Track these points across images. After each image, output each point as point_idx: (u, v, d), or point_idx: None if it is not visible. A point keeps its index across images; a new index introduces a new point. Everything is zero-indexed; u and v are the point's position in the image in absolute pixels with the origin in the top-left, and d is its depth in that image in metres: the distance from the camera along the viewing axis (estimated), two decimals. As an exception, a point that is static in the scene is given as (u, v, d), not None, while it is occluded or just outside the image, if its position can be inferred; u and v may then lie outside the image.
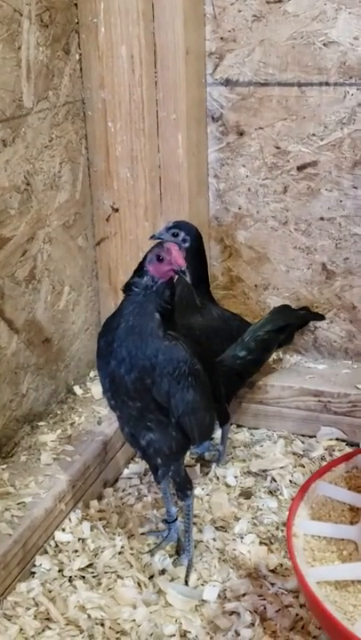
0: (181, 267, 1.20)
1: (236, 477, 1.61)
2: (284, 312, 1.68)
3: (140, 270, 1.23)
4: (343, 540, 1.18)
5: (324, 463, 1.60)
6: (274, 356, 1.77)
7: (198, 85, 1.68)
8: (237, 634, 1.21)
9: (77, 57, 1.61)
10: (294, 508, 1.21)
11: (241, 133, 1.73)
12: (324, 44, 1.60)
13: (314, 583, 1.08)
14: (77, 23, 1.58)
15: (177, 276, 1.21)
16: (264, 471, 1.62)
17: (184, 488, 1.36)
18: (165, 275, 1.21)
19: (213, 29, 1.66)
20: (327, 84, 1.63)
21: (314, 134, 1.67)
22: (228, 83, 1.70)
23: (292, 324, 1.67)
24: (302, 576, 1.07)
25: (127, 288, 1.24)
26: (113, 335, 1.23)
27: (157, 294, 1.21)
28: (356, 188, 1.67)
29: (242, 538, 1.44)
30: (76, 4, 1.57)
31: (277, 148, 1.71)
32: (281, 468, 1.62)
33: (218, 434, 1.70)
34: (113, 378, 1.24)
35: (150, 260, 1.21)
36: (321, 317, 1.75)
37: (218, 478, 1.62)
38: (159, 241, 1.26)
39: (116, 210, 1.70)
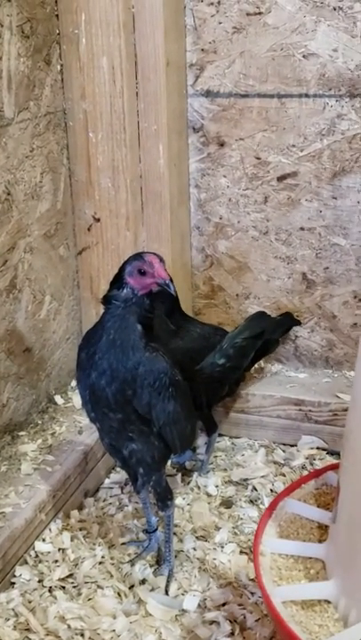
0: (165, 280, 1.19)
1: (217, 487, 1.61)
2: (261, 319, 1.70)
3: (118, 282, 1.22)
4: (311, 558, 1.17)
5: (305, 472, 1.60)
6: (256, 365, 1.78)
7: (179, 96, 1.69)
8: (216, 642, 1.21)
9: (59, 68, 1.61)
10: (262, 526, 1.20)
11: (222, 144, 1.74)
12: (303, 56, 1.61)
13: (279, 603, 1.07)
14: (59, 34, 1.59)
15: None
16: (245, 480, 1.62)
17: (165, 498, 1.36)
18: (147, 287, 1.20)
19: (194, 41, 1.67)
20: (307, 95, 1.64)
21: (294, 145, 1.69)
22: (208, 94, 1.71)
23: (268, 330, 1.68)
24: (268, 596, 1.07)
25: (106, 301, 1.23)
26: (94, 348, 1.23)
27: (138, 305, 1.21)
28: (335, 198, 1.69)
29: (222, 547, 1.44)
30: (57, 16, 1.58)
31: (258, 158, 1.72)
32: (262, 477, 1.63)
33: (199, 442, 1.71)
34: (93, 390, 1.24)
35: (130, 273, 1.20)
36: (297, 322, 1.77)
37: (199, 487, 1.62)
38: (138, 252, 1.25)
39: (98, 220, 1.71)
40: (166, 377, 1.25)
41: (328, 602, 1.09)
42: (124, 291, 1.21)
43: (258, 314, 1.72)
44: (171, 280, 1.20)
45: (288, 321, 1.77)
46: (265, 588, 1.08)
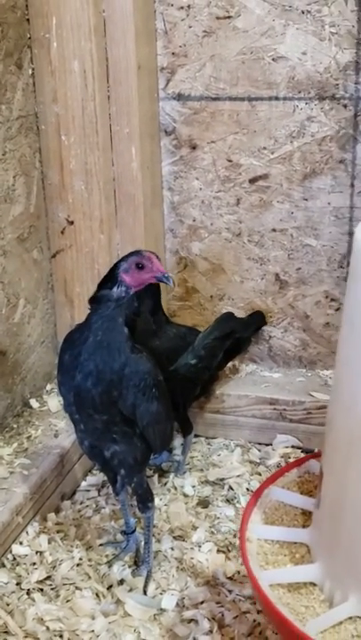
0: (164, 273, 1.22)
1: (193, 487, 1.62)
2: (229, 319, 1.71)
3: (110, 281, 1.21)
4: (296, 543, 1.20)
5: (280, 470, 1.62)
6: (229, 365, 1.80)
7: (151, 100, 1.71)
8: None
9: (30, 71, 1.62)
10: (247, 514, 1.23)
11: (194, 147, 1.75)
12: (273, 59, 1.64)
13: (267, 586, 1.09)
14: (30, 38, 1.60)
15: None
16: (221, 480, 1.64)
17: (146, 500, 1.37)
18: (144, 282, 1.22)
19: (165, 45, 1.68)
20: (277, 98, 1.66)
21: (265, 148, 1.71)
22: (180, 97, 1.72)
23: (237, 330, 1.70)
24: (255, 579, 1.09)
25: (95, 300, 1.22)
26: (79, 349, 1.22)
27: (127, 306, 1.22)
28: (306, 200, 1.71)
29: (200, 546, 1.45)
30: (28, 20, 1.58)
31: (230, 161, 1.74)
32: (238, 476, 1.64)
33: (175, 443, 1.72)
34: (79, 391, 1.24)
35: (126, 270, 1.21)
36: (263, 321, 1.79)
37: (176, 488, 1.63)
38: (133, 250, 1.26)
39: (71, 222, 1.71)
40: (150, 377, 1.27)
41: (314, 584, 1.11)
42: (118, 289, 1.20)
43: (226, 315, 1.74)
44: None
45: (256, 320, 1.80)
46: (252, 571, 1.10)
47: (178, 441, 1.72)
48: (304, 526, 1.23)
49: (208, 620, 1.26)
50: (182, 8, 1.65)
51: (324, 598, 1.10)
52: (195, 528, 1.49)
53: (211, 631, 1.24)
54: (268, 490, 1.28)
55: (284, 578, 1.12)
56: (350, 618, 1.05)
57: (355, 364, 1.03)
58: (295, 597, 1.09)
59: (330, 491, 1.12)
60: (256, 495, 1.26)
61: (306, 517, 1.25)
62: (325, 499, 1.14)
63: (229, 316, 1.73)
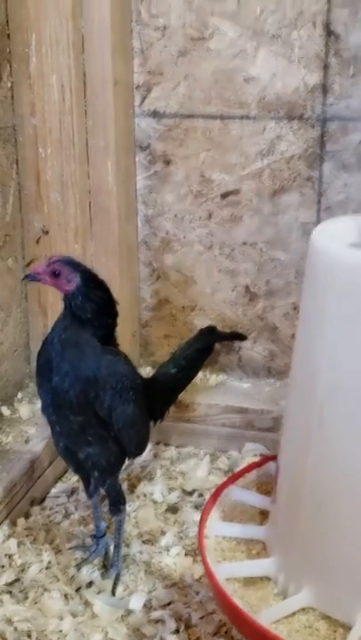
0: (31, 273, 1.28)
1: (162, 494, 1.65)
2: (211, 333, 1.75)
3: None
4: (253, 540, 1.24)
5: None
6: (200, 375, 1.83)
7: (127, 115, 1.76)
8: (161, 639, 1.24)
9: (9, 85, 1.66)
10: (206, 512, 1.27)
11: (168, 162, 1.81)
12: (244, 80, 1.70)
13: (223, 579, 1.13)
14: (9, 52, 1.64)
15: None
16: (190, 487, 1.66)
17: (118, 502, 1.39)
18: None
19: (141, 63, 1.74)
20: (248, 117, 1.73)
21: (236, 164, 1.76)
22: (155, 114, 1.78)
23: (216, 342, 1.74)
24: (211, 573, 1.13)
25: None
26: (49, 351, 1.26)
27: (76, 307, 1.25)
28: (275, 215, 1.77)
29: (168, 550, 1.47)
30: (8, 35, 1.63)
31: (202, 176, 1.80)
32: (207, 483, 1.67)
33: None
34: (57, 393, 1.26)
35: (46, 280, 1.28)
36: (243, 338, 1.83)
37: (145, 495, 1.65)
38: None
39: (47, 232, 1.75)
40: (128, 380, 1.30)
41: (268, 579, 1.16)
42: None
43: (208, 328, 1.77)
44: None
45: (237, 336, 1.83)
46: (209, 565, 1.14)
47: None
48: (261, 524, 1.27)
49: (175, 620, 1.28)
50: (158, 28, 1.71)
51: (277, 591, 1.14)
52: (163, 533, 1.52)
53: (177, 631, 1.26)
54: (228, 490, 1.32)
55: (239, 571, 1.17)
56: (303, 609, 1.10)
57: (309, 357, 1.09)
58: (250, 590, 1.13)
59: (286, 484, 1.17)
60: (215, 494, 1.31)
61: (263, 516, 1.29)
62: (281, 493, 1.18)
63: (212, 329, 1.77)
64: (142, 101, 1.78)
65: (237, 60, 1.69)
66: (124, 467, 1.42)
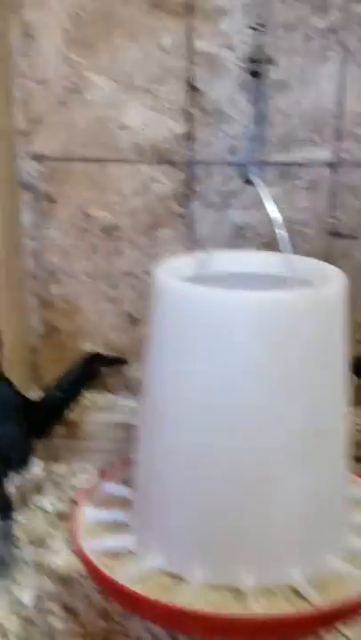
0: None
1: (52, 504, 1.77)
2: (93, 358, 1.92)
3: None
4: (119, 524, 1.54)
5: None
6: (88, 395, 1.98)
7: (11, 159, 1.92)
8: (51, 627, 1.37)
9: None
10: (80, 502, 1.58)
11: (52, 201, 1.98)
12: (118, 128, 1.91)
13: (90, 552, 1.45)
14: None
15: None
16: (80, 497, 1.80)
17: (3, 509, 1.51)
18: None
19: (23, 111, 1.92)
20: (123, 161, 1.93)
21: (115, 202, 1.96)
22: (38, 158, 1.95)
23: (100, 366, 1.91)
24: (80, 547, 1.43)
25: None
26: None
27: None
28: (152, 247, 1.97)
29: (57, 553, 1.59)
30: None
31: (85, 213, 1.98)
32: (95, 493, 1.81)
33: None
34: None
35: None
36: (124, 362, 2.01)
37: (36, 506, 1.77)
38: None
39: None
40: (9, 399, 1.45)
41: (131, 553, 1.46)
42: None
43: (93, 354, 1.94)
44: None
45: (117, 361, 2.01)
46: (78, 541, 1.44)
47: None
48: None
49: (64, 610, 1.41)
50: (38, 82, 1.90)
51: (137, 561, 1.43)
52: (52, 537, 1.64)
53: (66, 620, 1.39)
54: (100, 484, 1.62)
55: (104, 545, 1.46)
56: (156, 571, 1.40)
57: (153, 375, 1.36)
58: (113, 560, 1.44)
59: (140, 466, 1.46)
60: (88, 487, 1.59)
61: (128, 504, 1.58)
62: (138, 475, 1.47)
63: (97, 356, 1.94)
64: (26, 146, 1.95)
65: (112, 110, 1.90)
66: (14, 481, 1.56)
